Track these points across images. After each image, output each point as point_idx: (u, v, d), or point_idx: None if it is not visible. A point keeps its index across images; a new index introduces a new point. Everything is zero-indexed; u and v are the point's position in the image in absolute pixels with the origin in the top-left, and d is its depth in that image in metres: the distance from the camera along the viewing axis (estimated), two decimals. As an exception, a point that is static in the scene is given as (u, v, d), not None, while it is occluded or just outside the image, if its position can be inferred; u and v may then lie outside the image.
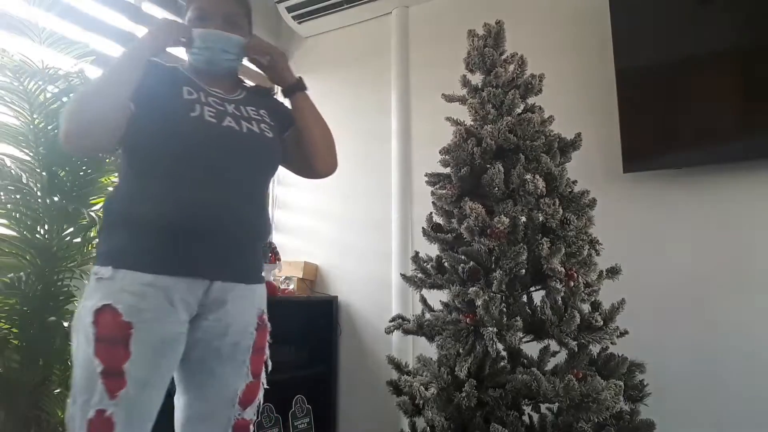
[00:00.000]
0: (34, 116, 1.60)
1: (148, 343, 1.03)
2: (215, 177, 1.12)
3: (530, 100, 1.76)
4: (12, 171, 1.59)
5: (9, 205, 1.58)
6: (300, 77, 1.32)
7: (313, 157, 1.30)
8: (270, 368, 1.26)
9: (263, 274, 1.26)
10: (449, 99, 1.83)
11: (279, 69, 1.31)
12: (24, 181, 1.61)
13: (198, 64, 1.24)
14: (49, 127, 1.61)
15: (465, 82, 1.82)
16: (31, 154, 1.62)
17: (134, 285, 1.03)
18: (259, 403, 1.23)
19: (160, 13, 2.61)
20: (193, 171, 1.11)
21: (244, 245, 1.17)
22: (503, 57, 1.78)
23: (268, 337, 1.25)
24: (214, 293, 1.11)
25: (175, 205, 1.08)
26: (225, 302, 1.12)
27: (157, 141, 1.12)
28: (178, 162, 1.11)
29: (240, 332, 1.15)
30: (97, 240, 1.43)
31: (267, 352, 1.25)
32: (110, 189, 1.80)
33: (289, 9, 2.96)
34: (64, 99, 1.62)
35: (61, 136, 1.05)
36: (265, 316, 1.24)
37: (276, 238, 2.99)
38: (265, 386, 1.24)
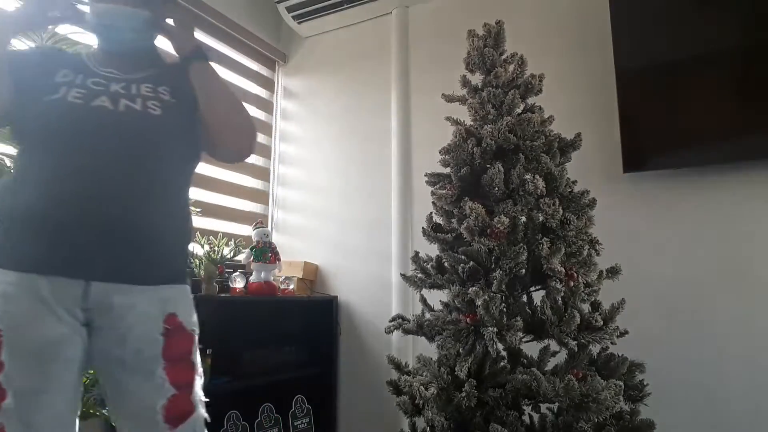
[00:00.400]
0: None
1: (24, 350, 0.93)
2: (84, 163, 1.01)
3: (530, 100, 1.76)
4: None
5: (9, 205, 1.58)
6: (200, 45, 1.18)
7: (215, 137, 1.14)
8: (202, 378, 1.11)
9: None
10: (449, 99, 1.83)
11: (177, 35, 1.18)
12: (24, 181, 1.61)
13: (103, 43, 1.16)
14: (49, 127, 1.61)
15: (465, 82, 1.82)
16: (31, 154, 1.62)
17: (1, 285, 0.95)
18: (201, 420, 1.08)
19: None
20: (58, 158, 1.01)
21: (133, 241, 1.02)
22: (503, 57, 1.78)
23: (195, 342, 1.10)
24: (94, 295, 0.99)
25: (39, 197, 0.98)
26: (112, 306, 1.00)
27: (22, 129, 1.06)
28: (41, 149, 1.02)
29: (141, 339, 1.02)
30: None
31: (196, 359, 1.10)
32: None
33: (289, 9, 2.96)
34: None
35: None
36: (180, 319, 1.07)
37: (276, 238, 2.99)
38: (204, 399, 1.10)
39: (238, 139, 1.16)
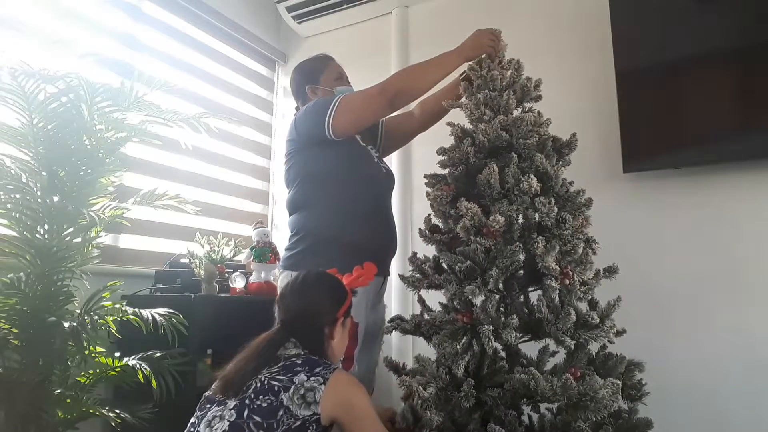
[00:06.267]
0: (33, 116, 1.60)
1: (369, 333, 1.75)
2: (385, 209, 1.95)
3: (527, 105, 1.75)
4: (12, 171, 1.60)
5: (9, 205, 1.59)
6: None
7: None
8: None
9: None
10: (449, 105, 1.83)
11: None
12: (24, 181, 1.61)
13: None
14: (49, 127, 1.61)
15: (464, 88, 1.81)
16: (31, 154, 1.62)
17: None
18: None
19: (161, 14, 2.61)
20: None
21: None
22: (501, 65, 1.78)
23: None
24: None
25: (383, 229, 1.89)
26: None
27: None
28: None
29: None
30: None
31: None
32: (110, 189, 1.80)
33: (289, 9, 2.97)
34: (63, 99, 1.61)
35: None
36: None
37: (276, 238, 2.99)
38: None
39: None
